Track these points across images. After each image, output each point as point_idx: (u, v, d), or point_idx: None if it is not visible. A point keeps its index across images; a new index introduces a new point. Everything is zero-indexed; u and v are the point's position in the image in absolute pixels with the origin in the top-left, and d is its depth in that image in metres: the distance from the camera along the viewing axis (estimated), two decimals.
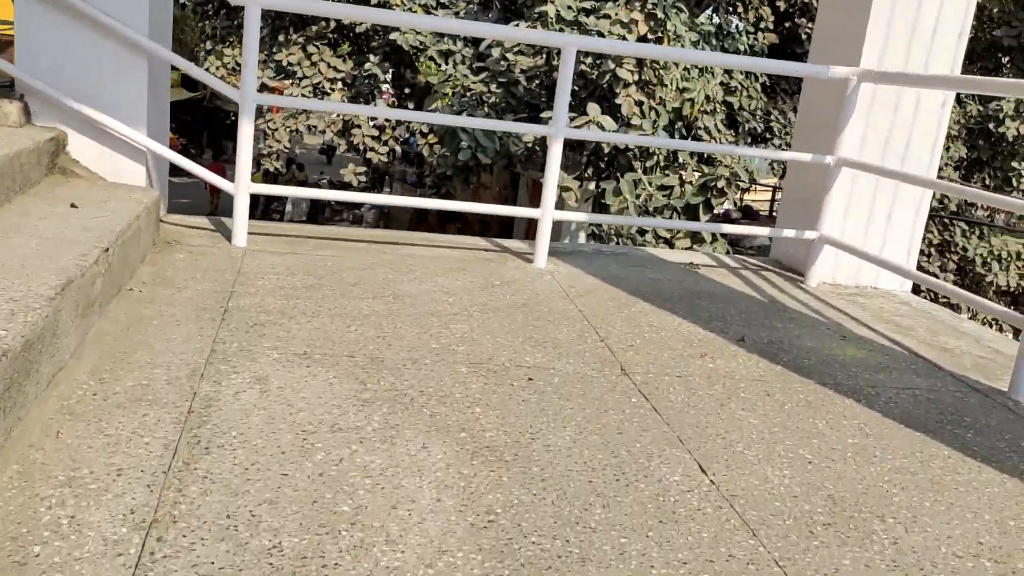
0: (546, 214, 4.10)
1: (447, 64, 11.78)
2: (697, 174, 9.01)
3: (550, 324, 3.30)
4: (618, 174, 9.16)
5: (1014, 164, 14.07)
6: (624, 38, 8.87)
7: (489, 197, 20.62)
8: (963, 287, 14.63)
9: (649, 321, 3.50)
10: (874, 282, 4.52)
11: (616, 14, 8.88)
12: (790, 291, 4.25)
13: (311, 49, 12.86)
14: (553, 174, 4.08)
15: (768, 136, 13.96)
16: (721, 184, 8.60)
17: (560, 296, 3.69)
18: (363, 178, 12.42)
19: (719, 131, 12.06)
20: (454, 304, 3.41)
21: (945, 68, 4.26)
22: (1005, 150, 14.31)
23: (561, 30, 9.31)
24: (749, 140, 13.58)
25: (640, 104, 9.19)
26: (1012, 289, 14.51)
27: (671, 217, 8.82)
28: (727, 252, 9.84)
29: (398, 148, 14.47)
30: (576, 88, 10.25)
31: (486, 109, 10.98)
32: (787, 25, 13.74)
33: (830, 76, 4.14)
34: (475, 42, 12.25)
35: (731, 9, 13.05)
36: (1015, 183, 14.16)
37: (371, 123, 12.67)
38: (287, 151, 13.20)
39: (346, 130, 12.66)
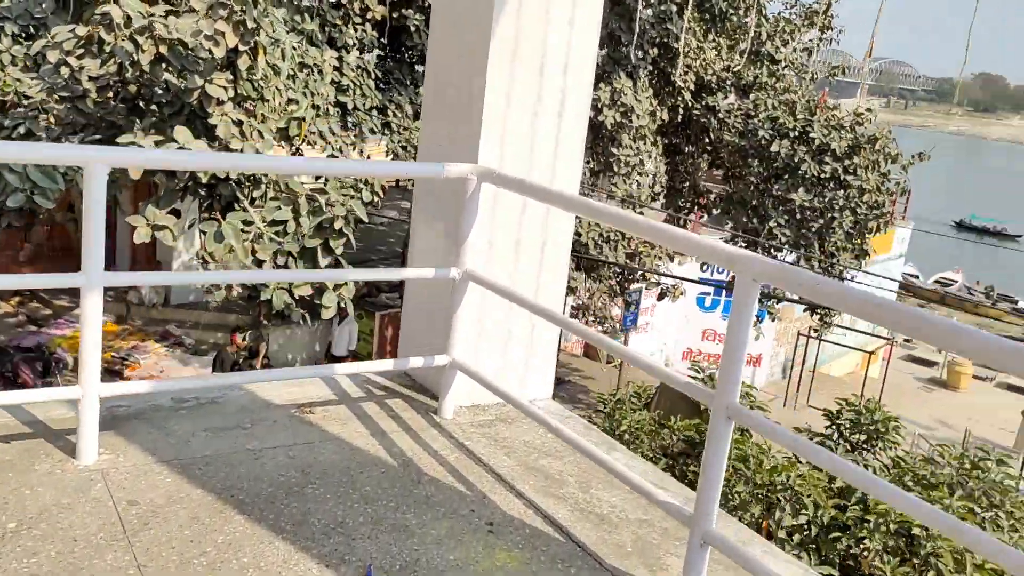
0: (89, 393, 2.94)
1: None
2: (313, 204, 8.04)
3: None
4: (219, 215, 7.88)
5: (613, 150, 14.95)
6: (210, 52, 7.56)
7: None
8: (578, 269, 15.40)
9: (242, 565, 2.55)
10: (522, 394, 3.96)
11: (198, 23, 7.52)
12: (424, 436, 3.53)
13: None
14: (92, 335, 2.92)
15: (387, 132, 13.36)
16: (339, 225, 7.74)
17: (113, 537, 2.60)
18: None
19: (334, 134, 11.18)
20: None
21: (575, 155, 3.77)
22: (605, 136, 15.15)
23: (132, 37, 7.72)
24: (366, 138, 12.87)
25: (239, 124, 7.97)
26: (623, 264, 15.56)
27: (286, 263, 7.80)
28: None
29: None
30: (162, 101, 8.71)
31: (51, 123, 9.01)
32: (395, 16, 13.15)
33: (446, 175, 3.43)
34: (29, 37, 10.04)
35: (335, 2, 12.11)
36: (615, 168, 15.07)
37: None
38: None
39: None
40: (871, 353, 27.35)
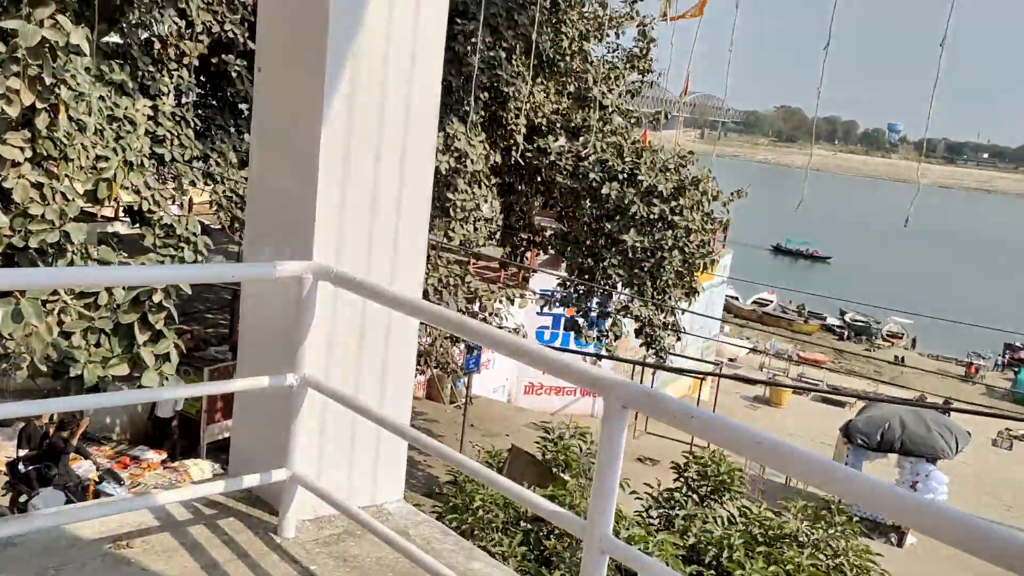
0: None
1: None
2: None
3: None
4: (18, 290, 7.06)
5: (449, 195, 14.83)
6: (3, 110, 6.80)
7: None
8: None
9: None
10: (371, 499, 3.68)
11: None
12: (263, 564, 3.17)
13: None
14: None
15: (209, 182, 12.66)
16: (158, 297, 7.12)
17: None
18: None
19: (149, 188, 10.45)
20: None
21: (420, 240, 3.55)
22: (440, 181, 15.02)
23: None
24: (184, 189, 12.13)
25: (39, 187, 7.23)
26: (463, 310, 15.42)
27: (98, 342, 7.08)
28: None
29: None
30: None
31: None
32: (215, 61, 12.51)
33: (278, 275, 3.13)
34: None
35: (147, 47, 11.35)
36: (452, 213, 14.95)
37: None
38: None
39: None
40: (702, 377, 28.53)
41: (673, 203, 14.71)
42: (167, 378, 7.10)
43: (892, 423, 19.82)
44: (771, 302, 52.71)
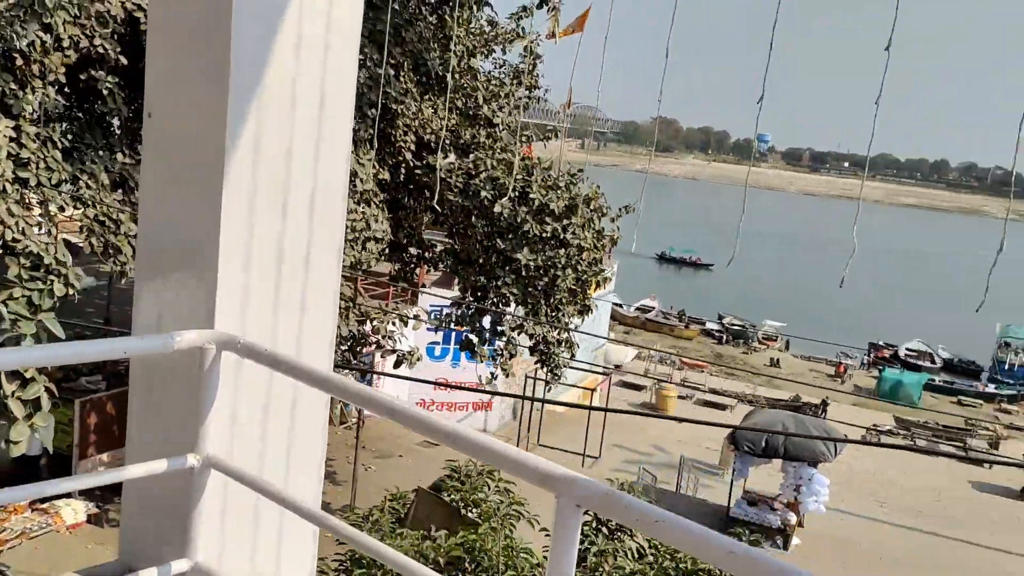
0: None
1: None
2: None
3: None
4: None
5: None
6: None
7: None
8: None
9: None
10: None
11: None
12: None
13: None
14: None
15: (79, 205, 11.84)
16: (28, 344, 6.51)
17: None
18: None
19: (13, 216, 9.67)
20: None
21: (330, 299, 3.29)
22: None
23: None
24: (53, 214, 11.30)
25: None
26: (355, 333, 14.99)
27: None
28: None
29: None
30: None
31: None
32: (83, 77, 11.71)
33: (177, 347, 2.81)
34: None
35: (7, 63, 10.50)
36: None
37: None
38: None
39: None
40: (593, 390, 28.87)
41: (565, 221, 14.74)
42: (37, 431, 6.49)
43: (776, 429, 20.49)
44: (653, 308, 54.02)
